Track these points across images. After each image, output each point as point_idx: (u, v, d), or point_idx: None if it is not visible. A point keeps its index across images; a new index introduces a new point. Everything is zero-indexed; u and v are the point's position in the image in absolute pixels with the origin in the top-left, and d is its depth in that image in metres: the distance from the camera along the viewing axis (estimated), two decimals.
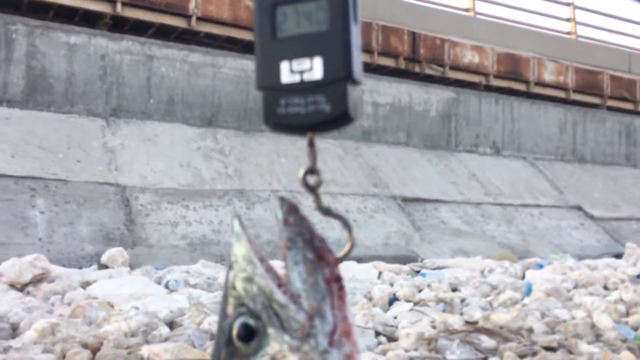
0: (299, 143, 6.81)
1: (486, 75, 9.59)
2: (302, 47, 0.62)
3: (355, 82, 0.60)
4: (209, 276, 4.07)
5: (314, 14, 0.61)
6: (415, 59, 8.89)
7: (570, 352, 2.69)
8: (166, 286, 3.72)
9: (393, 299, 3.76)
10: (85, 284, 3.62)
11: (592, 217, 8.21)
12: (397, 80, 8.24)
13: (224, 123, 6.80)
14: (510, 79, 9.82)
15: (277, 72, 0.62)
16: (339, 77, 0.60)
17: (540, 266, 5.38)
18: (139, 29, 7.13)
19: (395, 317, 3.26)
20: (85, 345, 2.39)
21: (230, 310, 0.62)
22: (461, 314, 3.41)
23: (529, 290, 4.12)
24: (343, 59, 0.60)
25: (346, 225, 0.63)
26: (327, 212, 0.64)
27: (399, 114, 8.09)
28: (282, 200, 0.63)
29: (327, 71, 0.60)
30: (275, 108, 0.63)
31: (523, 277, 4.79)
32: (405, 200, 6.90)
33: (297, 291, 0.61)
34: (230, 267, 0.63)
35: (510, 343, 2.69)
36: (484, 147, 8.86)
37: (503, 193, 7.94)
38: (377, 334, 2.90)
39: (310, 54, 0.61)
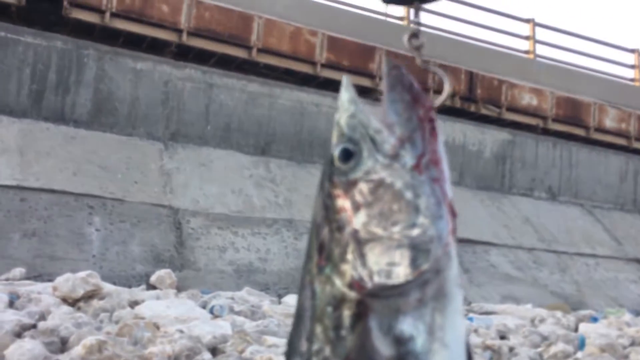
0: None
1: (544, 118, 9.38)
2: None
3: None
4: (253, 304, 4.08)
5: None
6: (472, 99, 8.81)
7: None
8: (211, 311, 3.75)
9: None
10: (133, 304, 3.69)
11: None
12: (452, 119, 8.17)
13: (277, 153, 6.89)
14: (570, 124, 9.57)
15: None
16: None
17: (595, 319, 5.15)
18: (201, 57, 7.37)
19: None
20: None
21: (334, 141, 0.77)
22: None
23: (582, 344, 3.93)
24: None
25: (444, 77, 0.81)
26: (427, 65, 0.83)
27: (452, 153, 7.99)
28: (388, 58, 0.77)
29: None
30: None
31: (576, 330, 4.59)
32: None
33: (391, 121, 0.73)
34: (337, 111, 0.78)
35: None
36: (539, 191, 8.62)
37: (558, 240, 7.68)
38: None
39: None
